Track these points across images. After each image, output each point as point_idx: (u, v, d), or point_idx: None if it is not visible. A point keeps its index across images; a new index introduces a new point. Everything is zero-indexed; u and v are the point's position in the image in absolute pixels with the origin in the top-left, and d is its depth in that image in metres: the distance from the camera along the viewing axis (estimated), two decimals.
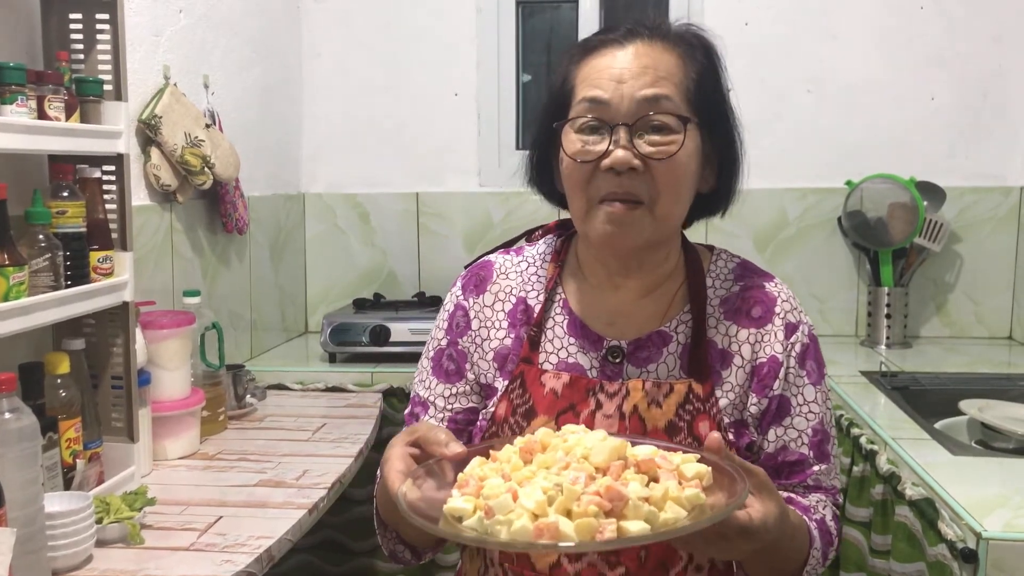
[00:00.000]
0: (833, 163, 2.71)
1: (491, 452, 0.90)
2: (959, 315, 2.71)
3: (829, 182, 2.71)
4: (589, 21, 2.82)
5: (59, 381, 1.40)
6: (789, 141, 2.73)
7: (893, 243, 2.57)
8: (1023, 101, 2.65)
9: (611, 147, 1.02)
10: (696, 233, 1.17)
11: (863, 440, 1.76)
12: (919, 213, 2.52)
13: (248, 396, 2.11)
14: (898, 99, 2.69)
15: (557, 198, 1.16)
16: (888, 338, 2.58)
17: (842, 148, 2.72)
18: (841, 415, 1.94)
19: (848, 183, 2.65)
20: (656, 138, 1.02)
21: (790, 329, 1.11)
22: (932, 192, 2.61)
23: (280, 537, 1.37)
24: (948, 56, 2.67)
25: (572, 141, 1.06)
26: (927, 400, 2.02)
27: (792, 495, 1.09)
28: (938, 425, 1.84)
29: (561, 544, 0.76)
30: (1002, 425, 1.78)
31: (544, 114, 1.13)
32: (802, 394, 1.11)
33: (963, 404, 1.89)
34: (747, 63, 2.71)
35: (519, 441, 0.90)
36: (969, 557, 1.24)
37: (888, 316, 2.58)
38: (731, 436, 1.08)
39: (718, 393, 1.08)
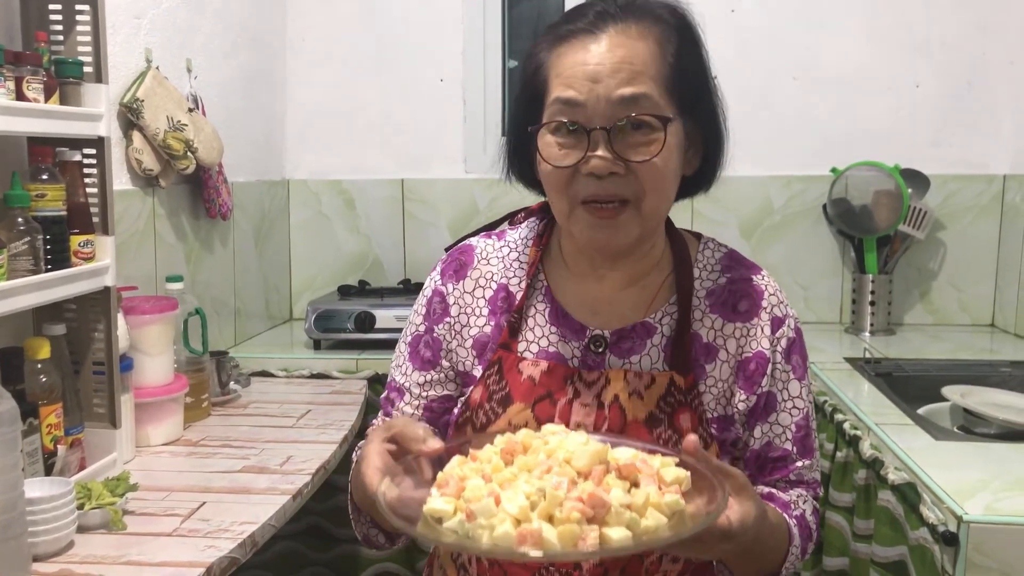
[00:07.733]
0: (818, 151, 2.71)
1: (471, 451, 0.88)
2: (942, 302, 2.73)
3: (814, 170, 2.71)
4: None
5: (39, 366, 1.39)
6: (775, 128, 2.73)
7: (877, 231, 2.58)
8: (1007, 89, 2.66)
9: (589, 152, 0.97)
10: (682, 221, 1.15)
11: (846, 426, 1.77)
12: (903, 201, 2.53)
13: (232, 383, 2.10)
14: (883, 87, 2.70)
15: (538, 187, 1.11)
16: (872, 325, 2.60)
17: (827, 136, 2.72)
18: (825, 401, 1.95)
19: (833, 171, 2.66)
20: (637, 138, 0.97)
21: (776, 323, 1.09)
22: (916, 180, 2.62)
23: (264, 523, 1.37)
24: (933, 44, 2.68)
25: (548, 144, 1.01)
26: (910, 386, 2.03)
27: (773, 491, 1.09)
28: (921, 411, 1.85)
29: (543, 553, 0.75)
30: (983, 411, 1.79)
31: (518, 105, 1.08)
32: (787, 389, 1.09)
33: (945, 390, 1.90)
34: (733, 51, 2.71)
35: (499, 441, 0.88)
36: (950, 540, 1.25)
37: (872, 303, 2.60)
38: (714, 430, 1.06)
39: (701, 387, 1.06)
